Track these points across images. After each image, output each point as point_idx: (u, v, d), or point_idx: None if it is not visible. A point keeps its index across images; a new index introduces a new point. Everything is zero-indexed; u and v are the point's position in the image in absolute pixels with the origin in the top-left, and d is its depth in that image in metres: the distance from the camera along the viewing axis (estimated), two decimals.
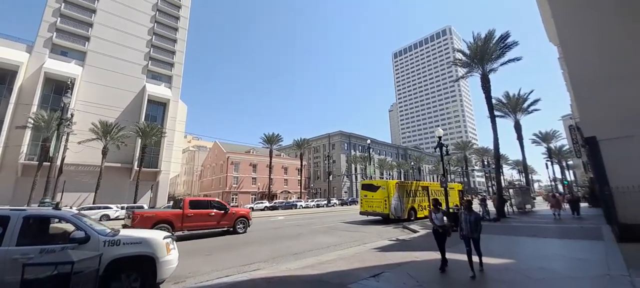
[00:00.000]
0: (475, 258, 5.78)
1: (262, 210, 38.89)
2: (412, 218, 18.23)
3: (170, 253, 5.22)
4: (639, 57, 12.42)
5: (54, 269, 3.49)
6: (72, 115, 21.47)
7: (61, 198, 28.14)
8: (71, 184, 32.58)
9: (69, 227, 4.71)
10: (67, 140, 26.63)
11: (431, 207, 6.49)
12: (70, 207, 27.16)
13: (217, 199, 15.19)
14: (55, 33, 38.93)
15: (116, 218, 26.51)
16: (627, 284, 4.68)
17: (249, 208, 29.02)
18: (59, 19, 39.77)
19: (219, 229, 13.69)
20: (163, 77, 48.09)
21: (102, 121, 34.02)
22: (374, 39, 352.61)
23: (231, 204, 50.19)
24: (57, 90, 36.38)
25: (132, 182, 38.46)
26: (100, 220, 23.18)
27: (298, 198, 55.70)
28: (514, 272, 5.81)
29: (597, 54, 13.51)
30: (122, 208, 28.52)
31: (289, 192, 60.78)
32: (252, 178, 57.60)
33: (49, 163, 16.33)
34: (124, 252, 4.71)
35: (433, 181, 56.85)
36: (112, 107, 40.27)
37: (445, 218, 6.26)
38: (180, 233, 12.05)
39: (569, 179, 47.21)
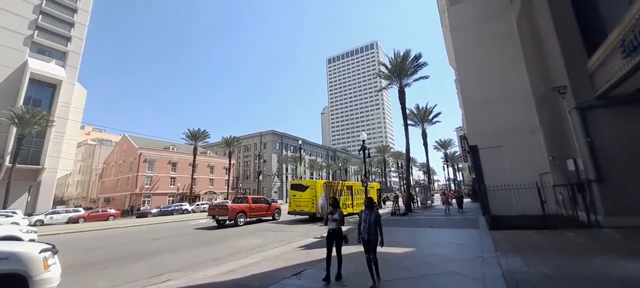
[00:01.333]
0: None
1: (181, 213, 35.04)
2: None
3: (49, 270, 4.27)
4: (506, 87, 16.14)
5: None
6: None
7: None
8: None
9: None
10: None
11: (329, 207, 5.66)
12: None
13: (264, 197, 23.22)
14: None
15: None
16: (495, 264, 5.98)
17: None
18: None
19: (266, 217, 19.15)
20: (55, 52, 38.96)
21: None
22: (311, 42, 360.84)
23: (141, 208, 44.01)
24: None
25: (1, 182, 29.87)
26: None
27: (225, 198, 52.58)
28: (414, 259, 6.80)
29: (480, 82, 16.99)
30: None
31: (214, 193, 56.72)
32: (171, 178, 51.56)
33: None
34: None
35: (357, 181, 61.43)
36: None
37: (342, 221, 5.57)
38: (249, 219, 17.56)
39: (459, 179, 57.70)
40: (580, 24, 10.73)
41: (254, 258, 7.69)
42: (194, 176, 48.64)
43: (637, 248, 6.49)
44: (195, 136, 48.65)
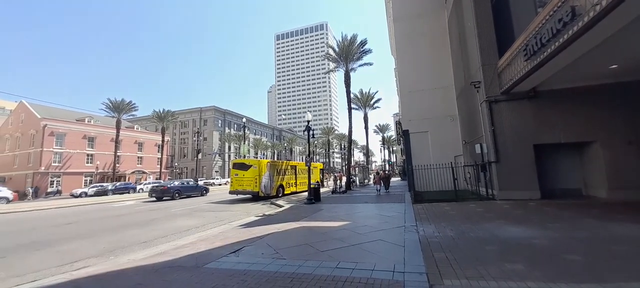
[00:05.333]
0: None
1: (104, 193, 30.72)
2: (280, 195, 19.58)
3: None
4: (435, 79, 17.99)
5: None
6: None
7: None
8: None
9: None
10: None
11: None
12: None
13: None
14: None
15: None
16: (414, 231, 6.93)
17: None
18: None
19: None
20: None
21: None
22: (259, 17, 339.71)
23: (50, 188, 37.40)
24: None
25: None
26: None
27: (156, 178, 48.00)
28: (348, 230, 7.44)
29: (415, 72, 18.56)
30: None
31: (144, 172, 51.14)
32: (88, 155, 44.47)
33: None
34: None
35: (302, 161, 62.46)
36: None
37: None
38: None
39: (392, 160, 63.63)
40: (497, 29, 12.50)
41: (189, 239, 7.36)
42: (118, 153, 42.94)
43: (517, 216, 8.25)
44: (119, 107, 42.50)
